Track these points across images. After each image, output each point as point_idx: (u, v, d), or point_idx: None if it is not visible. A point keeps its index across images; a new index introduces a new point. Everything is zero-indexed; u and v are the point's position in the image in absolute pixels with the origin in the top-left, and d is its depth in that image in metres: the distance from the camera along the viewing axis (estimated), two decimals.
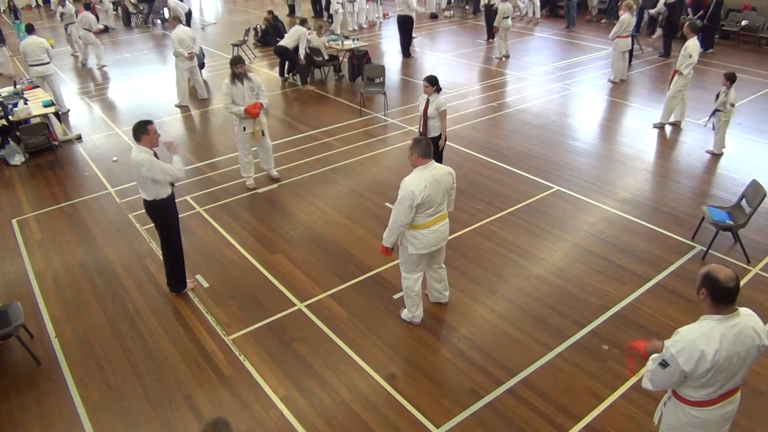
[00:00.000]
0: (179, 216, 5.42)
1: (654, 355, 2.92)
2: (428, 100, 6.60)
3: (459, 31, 17.39)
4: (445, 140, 6.81)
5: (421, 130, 6.82)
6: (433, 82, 6.56)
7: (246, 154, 7.37)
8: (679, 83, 8.79)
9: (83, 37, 13.70)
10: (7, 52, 13.45)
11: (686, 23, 9.22)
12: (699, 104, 10.03)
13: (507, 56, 13.61)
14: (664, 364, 2.81)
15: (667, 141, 8.84)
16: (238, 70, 6.92)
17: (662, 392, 3.12)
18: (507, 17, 13.26)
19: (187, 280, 5.54)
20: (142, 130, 4.88)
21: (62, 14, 14.28)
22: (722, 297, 2.74)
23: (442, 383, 4.39)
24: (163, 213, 5.15)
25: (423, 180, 4.34)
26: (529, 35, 16.39)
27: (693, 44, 8.60)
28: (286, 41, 11.65)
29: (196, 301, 5.40)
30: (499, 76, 12.35)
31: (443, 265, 5.04)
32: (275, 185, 7.54)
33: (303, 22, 11.75)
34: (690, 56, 8.56)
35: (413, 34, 14.41)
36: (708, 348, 2.69)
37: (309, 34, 11.76)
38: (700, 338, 2.72)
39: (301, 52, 11.47)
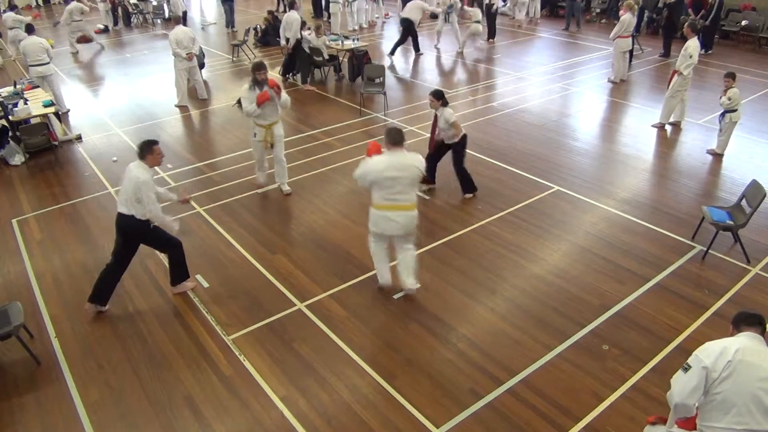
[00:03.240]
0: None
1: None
2: (436, 115, 6.67)
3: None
4: (461, 136, 6.80)
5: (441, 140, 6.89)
6: (438, 97, 6.57)
7: (258, 157, 7.31)
8: (678, 83, 8.79)
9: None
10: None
11: (686, 23, 9.22)
12: (699, 104, 10.03)
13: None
14: (686, 367, 2.94)
15: (667, 141, 8.84)
16: (260, 77, 6.64)
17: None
18: (478, 21, 13.52)
19: (187, 281, 5.54)
20: (148, 150, 4.97)
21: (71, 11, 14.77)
22: (739, 318, 3.08)
23: (442, 383, 4.39)
24: (136, 232, 5.10)
25: (385, 162, 4.70)
26: (529, 35, 16.38)
27: (693, 44, 8.60)
28: (286, 33, 11.62)
29: (196, 301, 5.40)
30: (499, 76, 12.36)
31: (411, 248, 5.12)
32: (275, 185, 7.53)
33: (291, 5, 11.67)
34: (690, 56, 8.56)
35: (400, 38, 14.31)
36: (730, 346, 2.88)
37: (309, 34, 11.76)
38: (725, 341, 2.96)
39: (291, 40, 11.43)
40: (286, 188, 7.44)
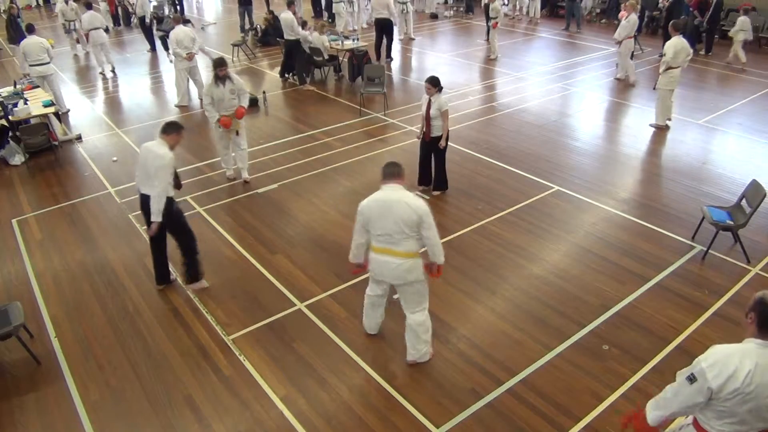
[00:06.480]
0: (185, 214, 5.50)
1: (680, 371, 2.76)
2: (430, 100, 6.66)
3: (459, 31, 17.39)
4: (447, 140, 6.83)
5: (424, 130, 6.84)
6: (435, 83, 6.62)
7: (223, 148, 7.74)
8: (663, 82, 8.80)
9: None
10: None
11: (671, 22, 9.23)
12: (699, 104, 10.04)
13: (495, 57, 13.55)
14: (691, 378, 2.65)
15: (668, 141, 8.84)
16: (220, 73, 7.08)
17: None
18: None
19: (202, 279, 5.57)
20: (175, 129, 5.12)
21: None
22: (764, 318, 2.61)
23: (442, 383, 4.39)
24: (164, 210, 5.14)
25: (373, 198, 4.17)
26: (529, 35, 16.39)
27: (672, 43, 8.66)
28: (287, 33, 11.61)
29: (196, 301, 5.40)
30: (499, 76, 12.36)
31: (412, 315, 4.37)
32: (275, 185, 7.54)
33: (289, 4, 11.68)
34: (664, 54, 8.64)
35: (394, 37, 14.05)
36: (741, 366, 2.55)
37: (310, 34, 11.75)
38: (736, 355, 2.59)
39: (295, 34, 11.51)
40: (245, 175, 7.73)
